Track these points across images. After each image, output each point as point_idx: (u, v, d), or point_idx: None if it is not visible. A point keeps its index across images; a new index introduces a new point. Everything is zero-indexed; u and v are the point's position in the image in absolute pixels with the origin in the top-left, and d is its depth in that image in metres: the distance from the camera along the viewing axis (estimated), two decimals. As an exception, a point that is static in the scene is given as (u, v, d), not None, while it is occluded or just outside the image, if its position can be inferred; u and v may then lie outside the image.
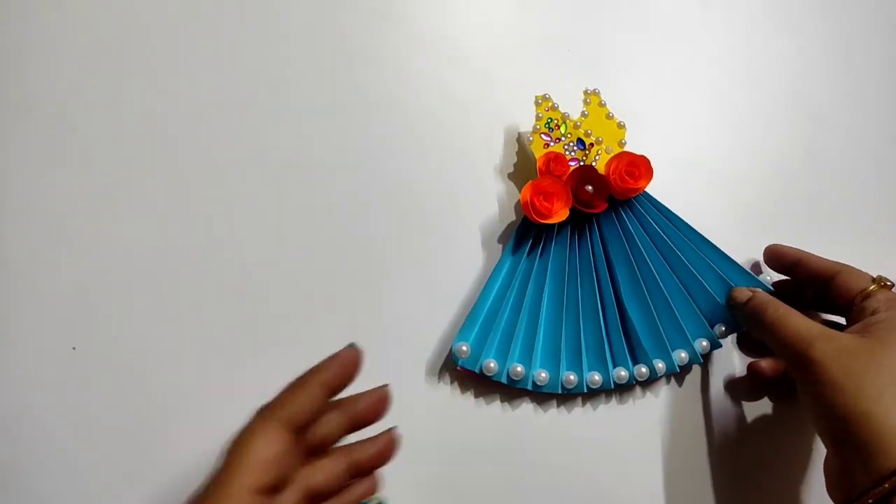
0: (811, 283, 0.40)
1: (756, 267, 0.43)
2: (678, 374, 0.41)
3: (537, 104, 0.40)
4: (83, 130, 0.39)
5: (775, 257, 0.41)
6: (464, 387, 0.38)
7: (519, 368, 0.37)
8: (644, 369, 0.38)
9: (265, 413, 0.25)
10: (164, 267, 0.38)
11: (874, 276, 0.37)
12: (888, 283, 0.36)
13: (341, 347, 0.28)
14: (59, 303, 0.36)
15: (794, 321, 0.34)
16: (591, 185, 0.39)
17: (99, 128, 0.39)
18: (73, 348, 0.36)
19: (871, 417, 0.29)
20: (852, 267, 0.38)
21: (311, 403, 0.26)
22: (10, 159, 0.38)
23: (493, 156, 0.43)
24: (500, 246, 0.41)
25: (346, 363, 0.27)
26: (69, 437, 0.34)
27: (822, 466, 0.33)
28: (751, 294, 0.38)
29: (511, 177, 0.42)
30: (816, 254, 0.39)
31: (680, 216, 0.42)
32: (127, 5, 0.42)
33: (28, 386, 0.34)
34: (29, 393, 0.34)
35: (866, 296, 0.36)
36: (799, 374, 0.33)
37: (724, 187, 0.45)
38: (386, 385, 0.29)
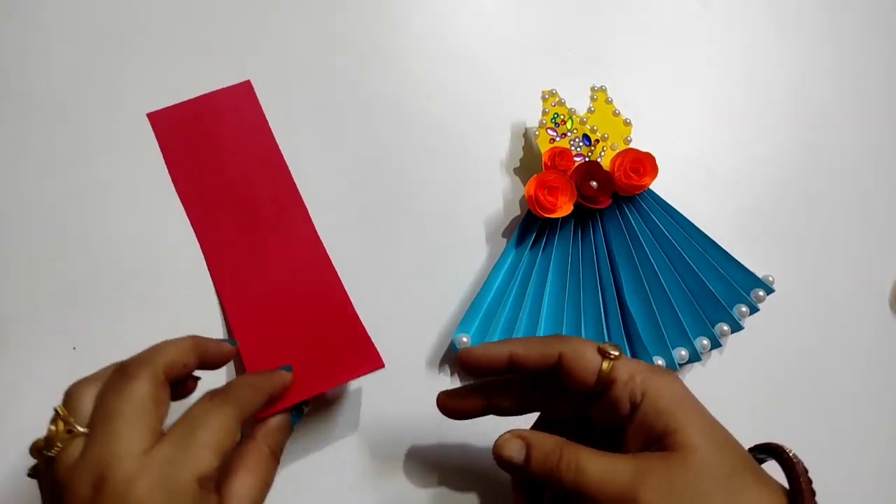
0: (530, 381, 0.31)
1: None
2: (677, 373, 0.41)
3: (544, 99, 0.40)
4: (83, 129, 0.39)
5: (474, 363, 0.30)
6: (464, 377, 0.38)
7: (523, 363, 0.37)
8: (646, 365, 0.38)
9: (143, 361, 0.27)
10: (164, 266, 0.38)
11: (596, 344, 0.28)
12: (612, 353, 0.28)
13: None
14: (59, 303, 0.35)
15: (595, 467, 0.26)
16: (596, 181, 0.39)
17: (99, 126, 0.39)
18: (74, 348, 0.35)
19: None
20: (571, 338, 0.29)
21: (182, 357, 0.28)
22: (10, 159, 0.38)
23: (498, 150, 0.43)
24: (504, 239, 0.41)
25: (225, 350, 0.31)
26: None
27: (821, 462, 0.33)
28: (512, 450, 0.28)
29: (517, 171, 0.42)
30: (811, 255, 0.37)
31: (683, 214, 0.42)
32: (127, 4, 0.41)
33: (28, 386, 0.34)
34: (29, 393, 0.34)
35: (607, 379, 0.27)
36: None
37: (726, 186, 0.45)
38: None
